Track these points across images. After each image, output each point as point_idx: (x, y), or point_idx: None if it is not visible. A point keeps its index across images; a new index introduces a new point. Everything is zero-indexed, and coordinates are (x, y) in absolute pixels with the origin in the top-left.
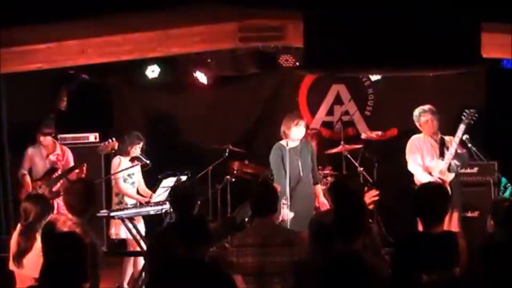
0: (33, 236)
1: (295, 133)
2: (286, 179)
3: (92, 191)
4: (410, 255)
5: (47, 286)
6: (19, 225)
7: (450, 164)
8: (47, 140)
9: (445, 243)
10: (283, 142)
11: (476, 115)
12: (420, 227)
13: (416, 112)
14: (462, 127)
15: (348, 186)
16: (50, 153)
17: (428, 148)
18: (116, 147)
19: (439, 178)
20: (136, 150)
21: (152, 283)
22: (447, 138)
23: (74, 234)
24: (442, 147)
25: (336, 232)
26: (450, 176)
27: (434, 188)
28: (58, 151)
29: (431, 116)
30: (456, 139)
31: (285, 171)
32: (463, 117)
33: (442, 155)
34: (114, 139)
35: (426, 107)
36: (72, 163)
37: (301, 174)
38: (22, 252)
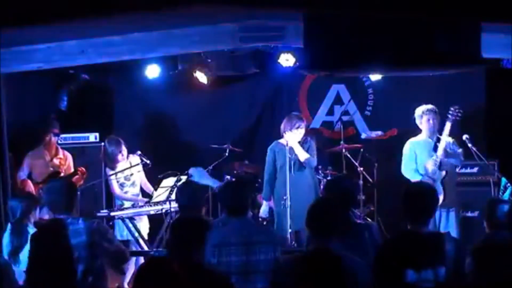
0: (25, 232)
1: (294, 136)
2: (286, 178)
3: (73, 187)
4: (393, 253)
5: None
6: (9, 224)
7: (440, 163)
8: (55, 140)
9: (431, 242)
10: (282, 140)
11: (461, 111)
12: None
13: (419, 110)
14: (448, 124)
15: (341, 185)
16: (53, 156)
17: (423, 149)
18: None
19: (431, 177)
20: (124, 155)
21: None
22: (464, 138)
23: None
24: (437, 147)
25: (310, 228)
26: (441, 174)
27: (422, 188)
28: (61, 155)
29: (433, 115)
30: (444, 137)
31: (276, 170)
32: (448, 115)
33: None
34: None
35: (430, 106)
36: (72, 168)
37: (298, 172)
38: (16, 249)
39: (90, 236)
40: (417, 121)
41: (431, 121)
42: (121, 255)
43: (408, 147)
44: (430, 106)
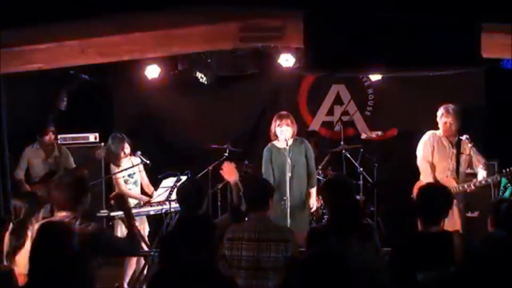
0: (25, 234)
1: (279, 133)
2: (286, 179)
3: (83, 182)
4: (407, 254)
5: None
6: (11, 224)
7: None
8: (49, 138)
9: (441, 242)
10: (275, 142)
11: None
12: (420, 227)
13: (441, 110)
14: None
15: (339, 184)
16: (49, 155)
17: (440, 147)
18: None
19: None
20: (126, 151)
21: (154, 284)
22: (464, 138)
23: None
24: (458, 150)
25: (331, 229)
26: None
27: (437, 189)
28: (56, 152)
29: (451, 118)
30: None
31: (273, 171)
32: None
33: (457, 159)
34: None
35: (451, 108)
36: (72, 164)
37: (291, 174)
38: (14, 249)
39: (79, 242)
40: (437, 119)
41: (447, 124)
42: (131, 244)
43: (426, 138)
44: (451, 108)
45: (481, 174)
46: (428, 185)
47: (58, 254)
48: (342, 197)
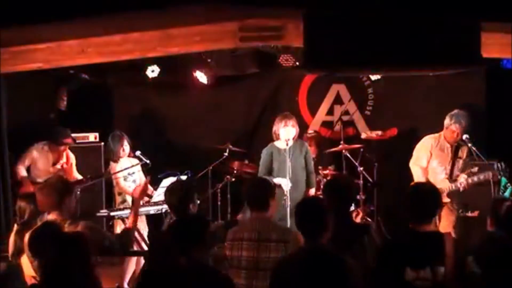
0: None
1: (283, 134)
2: (286, 178)
3: (66, 184)
4: (393, 251)
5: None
6: (15, 225)
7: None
8: (65, 149)
9: (430, 241)
10: (276, 143)
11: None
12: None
13: (452, 118)
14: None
15: (340, 185)
16: (56, 162)
17: (440, 153)
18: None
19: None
20: (126, 149)
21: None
22: (464, 138)
23: (76, 235)
24: (455, 154)
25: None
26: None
27: (426, 188)
28: (64, 158)
29: (460, 130)
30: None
31: (270, 172)
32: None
33: (453, 163)
34: None
35: (463, 120)
36: (74, 170)
37: (291, 175)
38: (19, 251)
39: None
40: (444, 124)
41: (455, 134)
42: (123, 241)
43: (425, 143)
44: (463, 121)
45: (462, 177)
46: (417, 184)
47: (59, 255)
48: (343, 198)
